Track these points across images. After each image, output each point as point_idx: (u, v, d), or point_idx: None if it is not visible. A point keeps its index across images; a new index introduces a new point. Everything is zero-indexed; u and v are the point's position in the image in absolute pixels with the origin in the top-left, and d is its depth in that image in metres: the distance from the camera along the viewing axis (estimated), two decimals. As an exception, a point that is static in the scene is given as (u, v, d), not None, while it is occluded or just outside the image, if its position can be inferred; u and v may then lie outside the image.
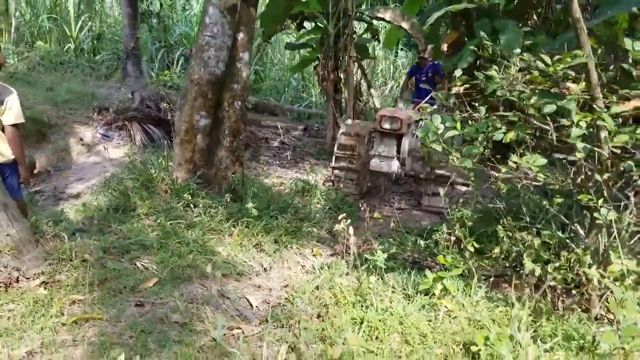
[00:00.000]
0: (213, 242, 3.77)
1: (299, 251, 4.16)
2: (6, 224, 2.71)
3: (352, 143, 6.07)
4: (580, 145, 2.49)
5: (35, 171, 5.64)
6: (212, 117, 4.61)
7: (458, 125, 2.64)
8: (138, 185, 4.39)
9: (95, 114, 7.28)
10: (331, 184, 6.18)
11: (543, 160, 2.62)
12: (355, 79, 8.50)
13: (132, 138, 6.92)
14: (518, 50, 2.74)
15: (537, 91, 2.58)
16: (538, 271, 3.00)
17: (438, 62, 7.36)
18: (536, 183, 3.45)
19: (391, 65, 14.21)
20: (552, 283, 3.07)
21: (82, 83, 9.08)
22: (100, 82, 9.60)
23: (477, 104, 2.75)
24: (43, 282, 2.71)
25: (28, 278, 2.69)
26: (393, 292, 3.23)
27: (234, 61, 4.55)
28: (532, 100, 2.56)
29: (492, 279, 3.54)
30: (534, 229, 3.36)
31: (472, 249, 3.50)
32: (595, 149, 2.74)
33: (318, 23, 8.30)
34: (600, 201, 2.59)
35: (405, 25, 7.67)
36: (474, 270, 3.45)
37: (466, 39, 8.14)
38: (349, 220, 3.45)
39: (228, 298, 3.04)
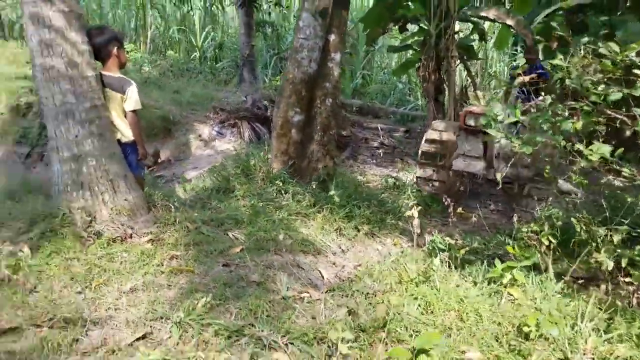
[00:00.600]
0: (297, 223, 4.15)
1: (380, 240, 4.38)
2: (125, 191, 3.34)
3: (440, 142, 5.85)
4: (648, 133, 2.43)
5: (159, 160, 6.58)
6: (305, 113, 5.02)
7: (517, 112, 2.69)
8: (239, 172, 4.97)
9: (212, 113, 8.15)
10: (415, 184, 6.01)
11: (608, 149, 2.58)
12: (460, 80, 8.37)
13: (241, 135, 7.66)
14: (585, 39, 2.72)
15: (605, 79, 2.55)
16: (611, 265, 2.91)
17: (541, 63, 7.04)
18: (622, 179, 3.34)
19: (505, 67, 13.75)
20: (628, 279, 2.96)
21: (203, 87, 10.14)
22: (220, 87, 10.63)
23: (542, 93, 2.78)
24: (150, 239, 3.29)
25: (139, 235, 3.29)
26: (465, 280, 3.33)
27: (326, 61, 4.91)
28: (600, 89, 2.54)
29: (581, 282, 3.45)
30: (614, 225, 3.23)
31: (546, 243, 3.45)
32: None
33: (421, 25, 8.38)
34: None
35: (510, 22, 7.42)
36: (549, 265, 3.41)
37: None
38: (419, 208, 3.61)
39: (303, 269, 3.38)
